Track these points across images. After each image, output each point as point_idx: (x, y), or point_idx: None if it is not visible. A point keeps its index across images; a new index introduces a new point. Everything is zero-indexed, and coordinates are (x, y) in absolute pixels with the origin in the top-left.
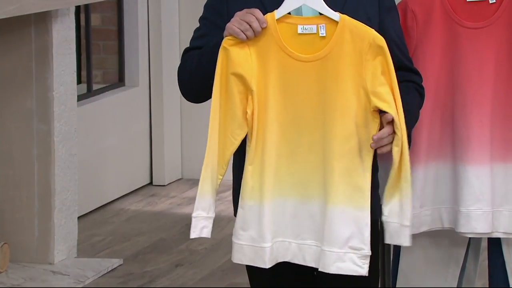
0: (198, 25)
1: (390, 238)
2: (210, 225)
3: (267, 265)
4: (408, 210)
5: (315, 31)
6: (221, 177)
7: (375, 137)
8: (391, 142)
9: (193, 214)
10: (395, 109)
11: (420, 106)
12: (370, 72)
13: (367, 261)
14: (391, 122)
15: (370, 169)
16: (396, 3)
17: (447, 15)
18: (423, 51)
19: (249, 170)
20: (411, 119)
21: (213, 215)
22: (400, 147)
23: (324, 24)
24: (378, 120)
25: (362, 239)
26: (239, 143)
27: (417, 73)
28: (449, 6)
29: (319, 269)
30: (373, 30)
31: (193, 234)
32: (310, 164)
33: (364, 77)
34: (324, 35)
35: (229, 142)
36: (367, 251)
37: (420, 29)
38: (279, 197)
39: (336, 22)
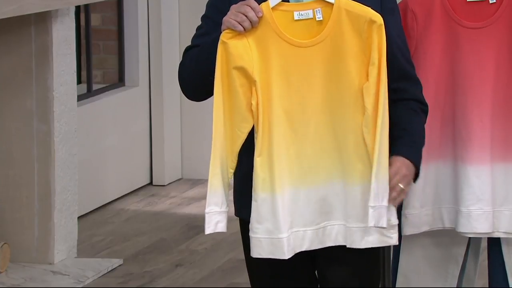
0: (198, 24)
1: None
2: (225, 220)
3: (286, 256)
4: (387, 191)
5: (311, 16)
6: (232, 170)
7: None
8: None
9: (206, 210)
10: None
11: (425, 123)
12: (370, 49)
13: (395, 230)
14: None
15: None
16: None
17: (447, 15)
18: (423, 51)
19: (258, 162)
20: (422, 143)
21: (227, 209)
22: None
23: (319, 8)
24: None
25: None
26: (246, 136)
27: (416, 82)
28: (449, 6)
29: (348, 246)
30: (370, 8)
31: (208, 230)
32: (320, 149)
33: (368, 55)
34: (321, 19)
35: (235, 136)
36: (394, 220)
37: (420, 29)
38: (291, 185)
39: (332, 5)
